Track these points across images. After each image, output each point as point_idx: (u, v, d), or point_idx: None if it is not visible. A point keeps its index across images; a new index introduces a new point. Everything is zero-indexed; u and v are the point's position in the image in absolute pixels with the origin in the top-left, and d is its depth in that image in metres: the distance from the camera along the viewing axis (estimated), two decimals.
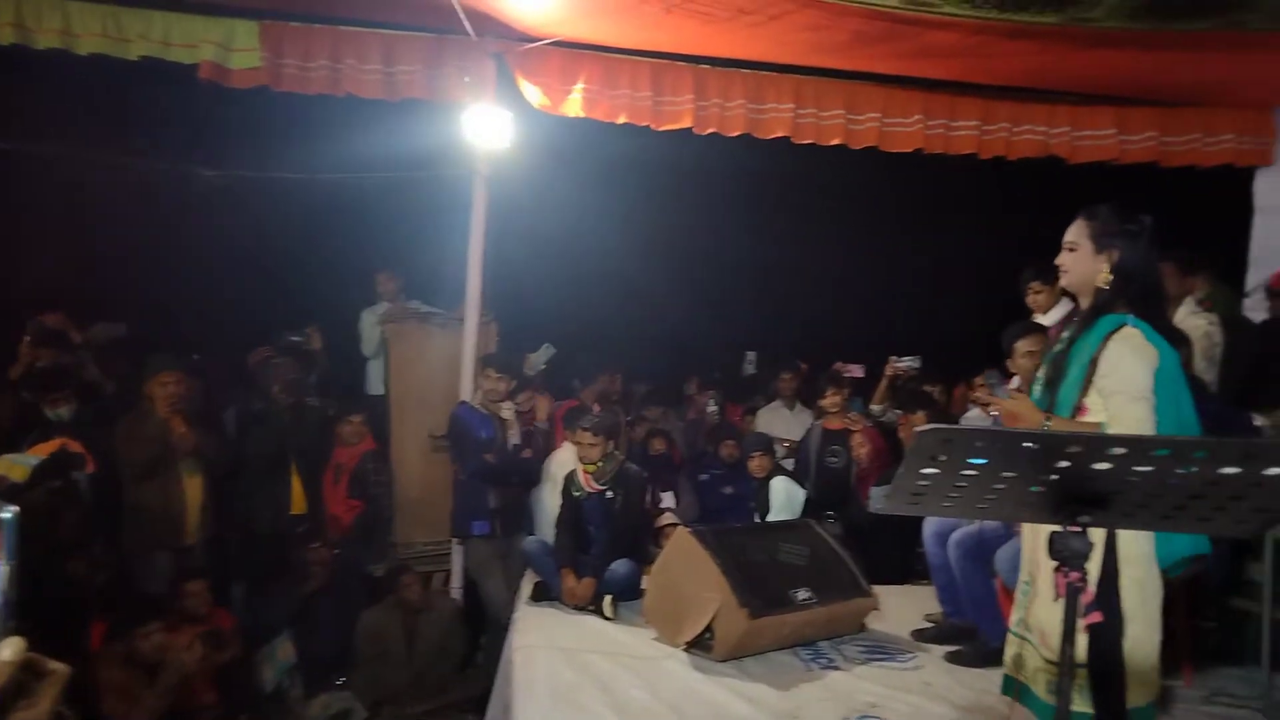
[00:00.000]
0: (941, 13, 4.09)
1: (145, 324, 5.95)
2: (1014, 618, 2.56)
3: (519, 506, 5.22)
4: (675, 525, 4.87)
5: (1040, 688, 2.43)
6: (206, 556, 4.78)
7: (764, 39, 4.60)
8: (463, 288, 5.38)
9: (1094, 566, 2.14)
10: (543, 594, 4.52)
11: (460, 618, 5.20)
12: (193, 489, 4.71)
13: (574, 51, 5.02)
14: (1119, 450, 1.20)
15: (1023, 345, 4.20)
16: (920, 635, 4.20)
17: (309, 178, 6.01)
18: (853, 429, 5.51)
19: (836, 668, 3.80)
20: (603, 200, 6.91)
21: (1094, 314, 2.42)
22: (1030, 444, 1.24)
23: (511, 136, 5.06)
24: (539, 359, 5.86)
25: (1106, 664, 2.22)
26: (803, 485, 5.47)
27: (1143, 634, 2.30)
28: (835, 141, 5.27)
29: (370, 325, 6.23)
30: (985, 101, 5.35)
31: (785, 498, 5.34)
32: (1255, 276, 5.50)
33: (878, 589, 4.32)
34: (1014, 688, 2.59)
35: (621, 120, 5.05)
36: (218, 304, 6.69)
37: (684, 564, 3.95)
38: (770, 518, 5.26)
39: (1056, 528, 1.38)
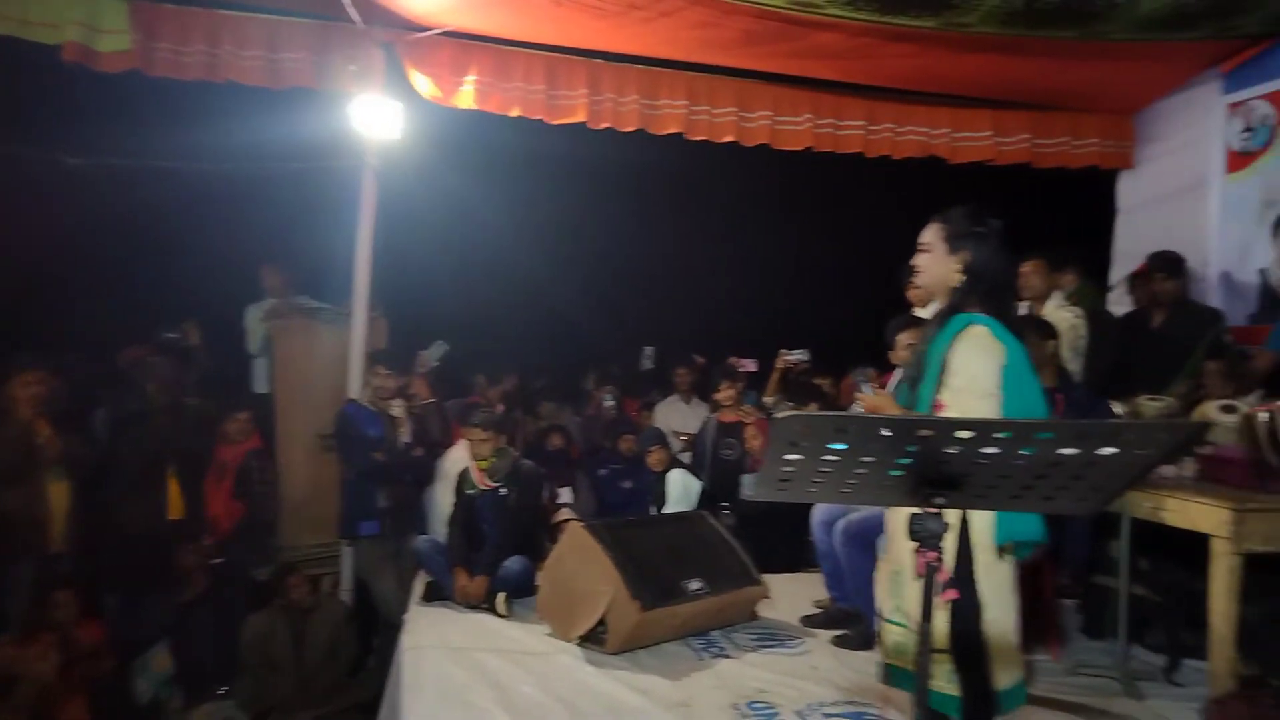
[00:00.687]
0: (826, 14, 4.20)
1: (5, 321, 5.60)
2: (889, 606, 2.64)
3: (410, 505, 5.13)
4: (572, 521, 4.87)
5: (934, 679, 2.46)
6: (76, 565, 4.53)
7: (656, 35, 4.63)
8: (351, 282, 5.24)
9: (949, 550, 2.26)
10: (435, 593, 4.45)
11: (350, 620, 5.07)
12: (58, 495, 4.47)
13: (466, 43, 4.95)
14: (964, 434, 1.25)
15: (904, 338, 4.35)
16: (809, 621, 4.32)
17: (188, 166, 5.75)
18: (746, 422, 5.62)
19: (727, 656, 3.87)
20: (498, 194, 6.84)
21: (948, 313, 2.51)
22: (883, 429, 1.28)
23: (402, 127, 4.96)
24: (432, 355, 5.76)
25: (968, 647, 2.33)
26: (699, 477, 5.55)
27: (999, 616, 2.40)
28: (728, 138, 5.34)
29: (255, 322, 6.01)
30: (870, 102, 5.52)
31: (682, 490, 5.41)
32: (1118, 273, 5.84)
33: (769, 577, 4.41)
34: (894, 675, 2.66)
35: (515, 113, 5.01)
36: (88, 300, 6.33)
37: (577, 558, 3.95)
38: (667, 510, 5.32)
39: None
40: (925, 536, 1.44)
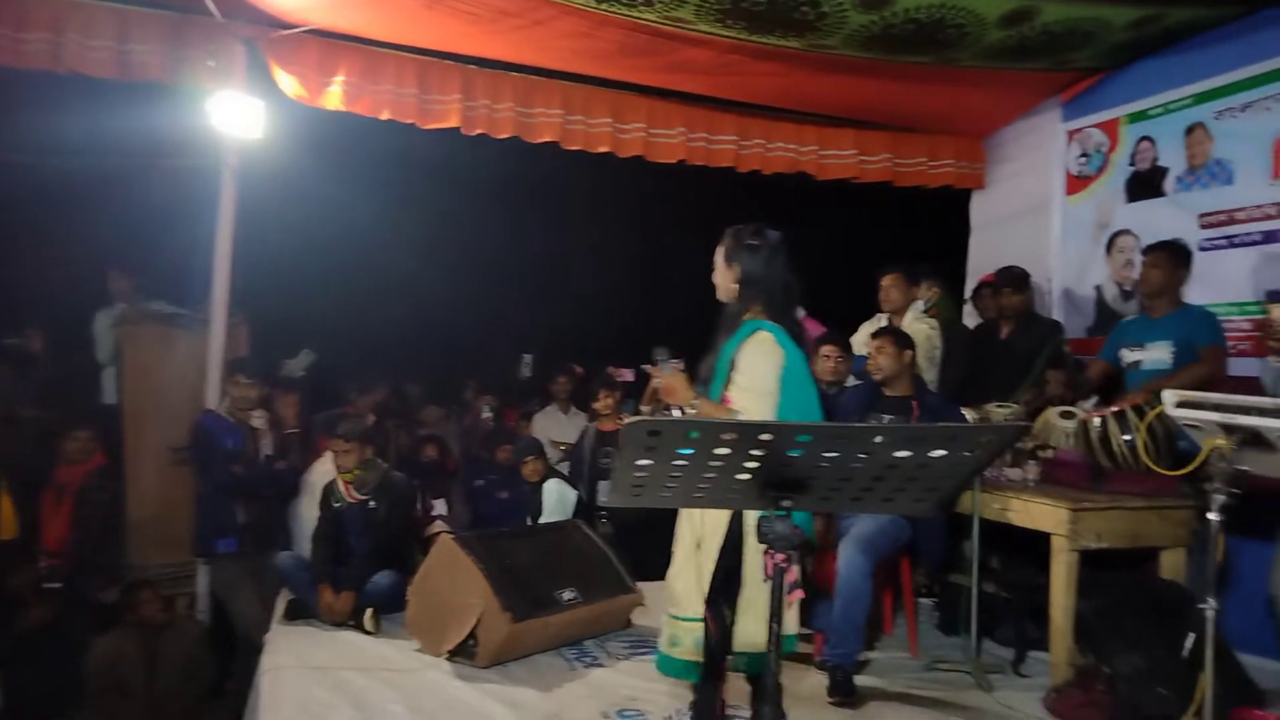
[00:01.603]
0: (696, 30, 4.29)
1: None
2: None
3: (272, 521, 4.91)
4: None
5: (668, 645, 2.75)
6: None
7: (529, 43, 4.62)
8: (209, 287, 5.00)
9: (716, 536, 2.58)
10: (298, 611, 4.28)
11: (206, 640, 4.81)
12: None
13: (334, 42, 4.80)
14: (804, 438, 1.30)
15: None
16: None
17: (31, 161, 5.39)
18: None
19: (600, 665, 3.88)
20: (371, 196, 6.65)
21: (735, 319, 2.73)
22: (727, 434, 1.31)
23: (264, 126, 4.77)
24: (298, 364, 5.56)
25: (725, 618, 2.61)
26: (577, 487, 5.54)
27: (755, 595, 2.65)
28: (603, 149, 5.37)
29: (104, 328, 5.65)
30: (741, 118, 5.66)
31: (557, 500, 5.37)
32: (972, 286, 6.17)
33: (648, 585, 4.41)
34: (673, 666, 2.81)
35: (385, 116, 4.90)
36: None
37: (447, 571, 3.88)
38: (543, 521, 5.28)
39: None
40: (773, 539, 1.48)
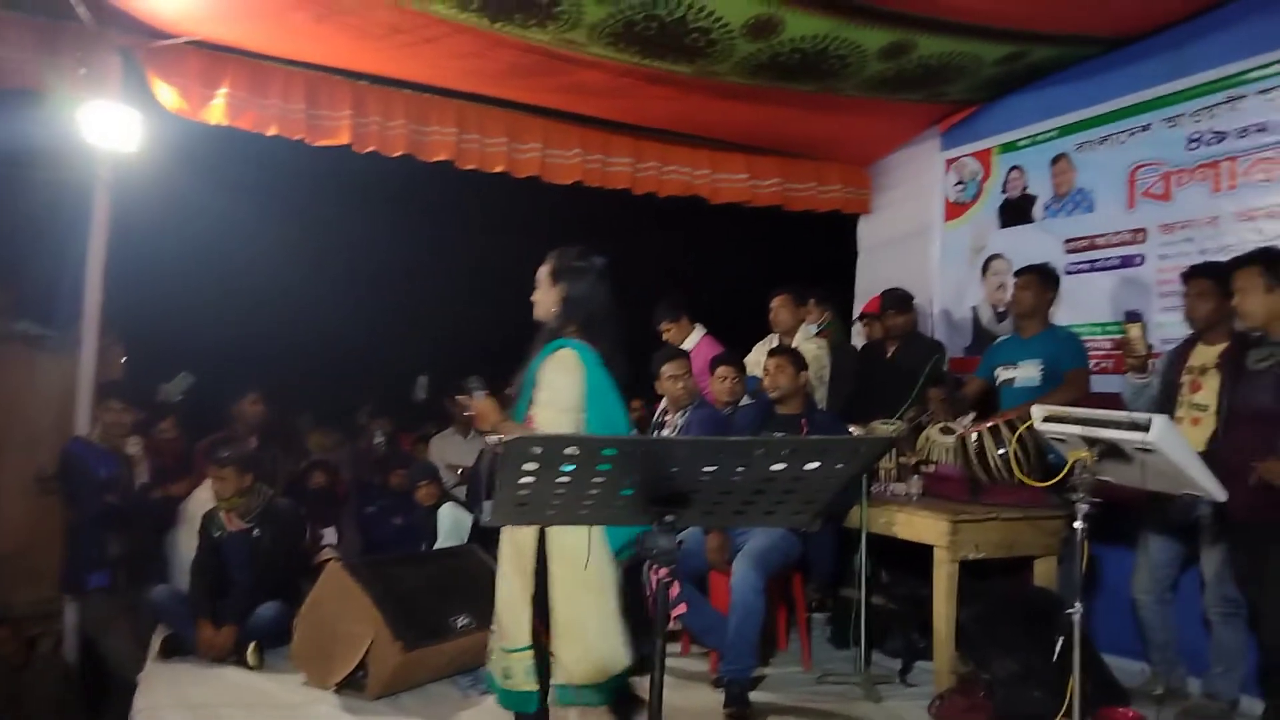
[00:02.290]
0: (589, 52, 4.33)
1: None
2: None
3: (147, 553, 4.66)
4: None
5: (502, 677, 2.76)
6: None
7: (421, 60, 4.58)
8: (80, 307, 4.74)
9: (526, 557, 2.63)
10: (175, 648, 4.08)
11: (73, 681, 4.52)
12: None
13: (217, 54, 4.64)
14: (682, 452, 1.33)
15: (667, 370, 4.54)
16: None
17: None
18: None
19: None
20: (258, 213, 6.43)
21: (549, 338, 2.80)
22: (609, 449, 1.33)
23: (141, 139, 4.57)
24: (176, 388, 5.31)
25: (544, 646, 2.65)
26: (474, 511, 5.45)
27: (570, 614, 2.68)
28: (499, 169, 5.35)
29: None
30: (637, 141, 5.73)
31: (452, 525, 5.28)
32: (859, 308, 6.39)
33: None
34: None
35: (272, 132, 4.75)
36: None
37: (336, 600, 3.76)
38: (438, 546, 5.18)
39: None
40: (656, 553, 1.50)
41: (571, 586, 2.64)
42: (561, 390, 2.68)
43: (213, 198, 5.81)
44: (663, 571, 1.51)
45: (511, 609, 2.73)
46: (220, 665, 3.97)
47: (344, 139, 4.91)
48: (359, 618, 3.63)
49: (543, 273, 2.86)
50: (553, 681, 2.70)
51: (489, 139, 5.31)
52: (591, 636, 2.66)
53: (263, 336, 6.83)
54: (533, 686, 2.70)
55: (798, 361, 4.38)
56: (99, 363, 4.76)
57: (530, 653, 2.69)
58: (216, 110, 4.64)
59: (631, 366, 4.59)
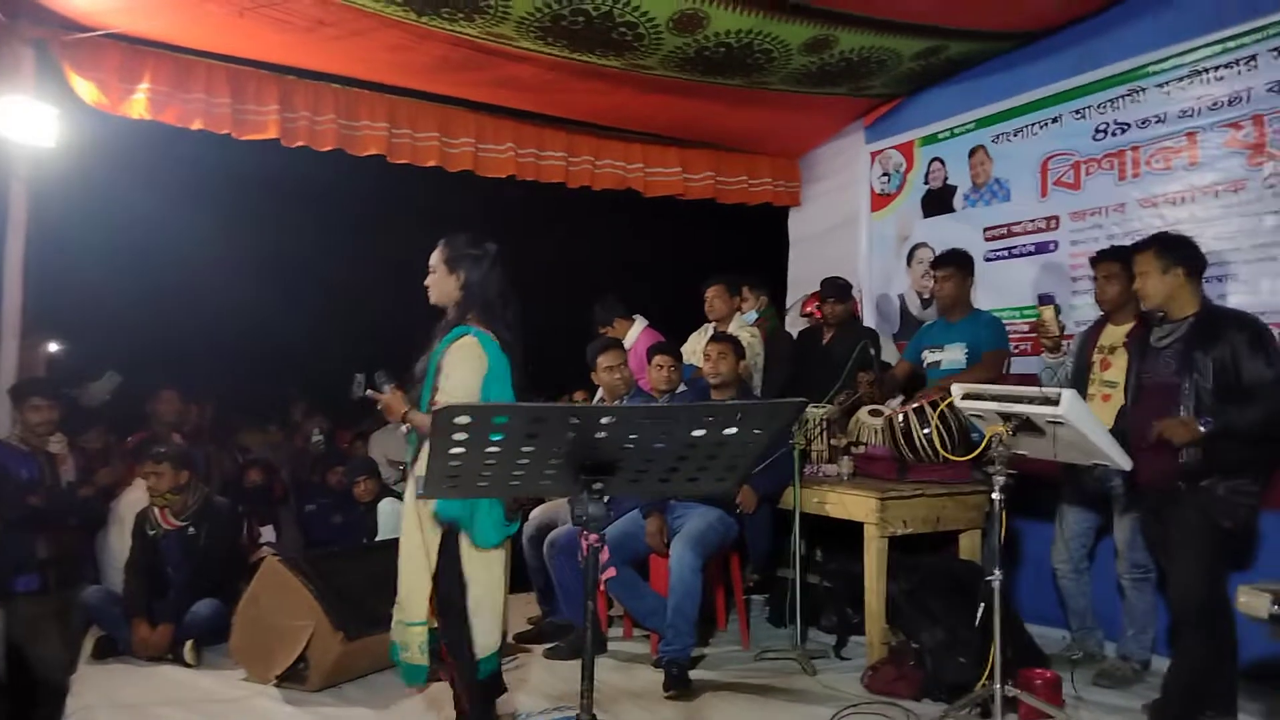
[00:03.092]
0: (518, 46, 4.36)
1: None
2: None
3: (77, 554, 4.57)
4: None
5: (401, 649, 2.81)
6: None
7: (349, 54, 4.56)
8: None
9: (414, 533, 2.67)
10: (109, 649, 4.02)
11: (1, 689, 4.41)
12: None
13: (137, 47, 4.56)
14: (607, 420, 1.39)
15: (603, 360, 4.60)
16: (522, 637, 4.40)
17: None
18: None
19: (438, 679, 3.83)
20: (187, 209, 6.32)
21: (449, 326, 2.82)
22: (536, 418, 1.39)
23: (60, 134, 4.47)
24: (102, 387, 5.20)
25: (453, 622, 2.69)
26: None
27: (483, 594, 2.74)
28: (431, 163, 5.34)
29: None
30: (570, 135, 5.77)
31: (393, 519, 5.26)
32: (792, 297, 6.54)
33: None
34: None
35: (197, 126, 4.68)
36: None
37: (274, 594, 3.74)
38: (379, 539, 5.16)
39: None
40: (586, 520, 1.56)
41: (479, 564, 2.71)
42: (462, 378, 2.68)
43: (138, 193, 5.71)
44: (593, 537, 1.58)
45: (415, 584, 2.76)
46: (156, 664, 3.92)
47: (272, 133, 4.86)
48: (298, 610, 3.63)
49: (436, 260, 2.87)
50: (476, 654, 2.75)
51: (420, 134, 5.30)
52: (492, 612, 2.75)
53: (190, 334, 6.73)
54: (425, 661, 2.75)
55: (738, 349, 4.50)
56: (20, 362, 4.63)
57: (425, 628, 2.73)
58: (138, 105, 4.55)
59: (578, 360, 4.68)
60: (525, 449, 1.45)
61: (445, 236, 2.90)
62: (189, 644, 3.94)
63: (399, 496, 5.52)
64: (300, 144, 4.95)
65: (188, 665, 3.91)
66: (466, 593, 2.69)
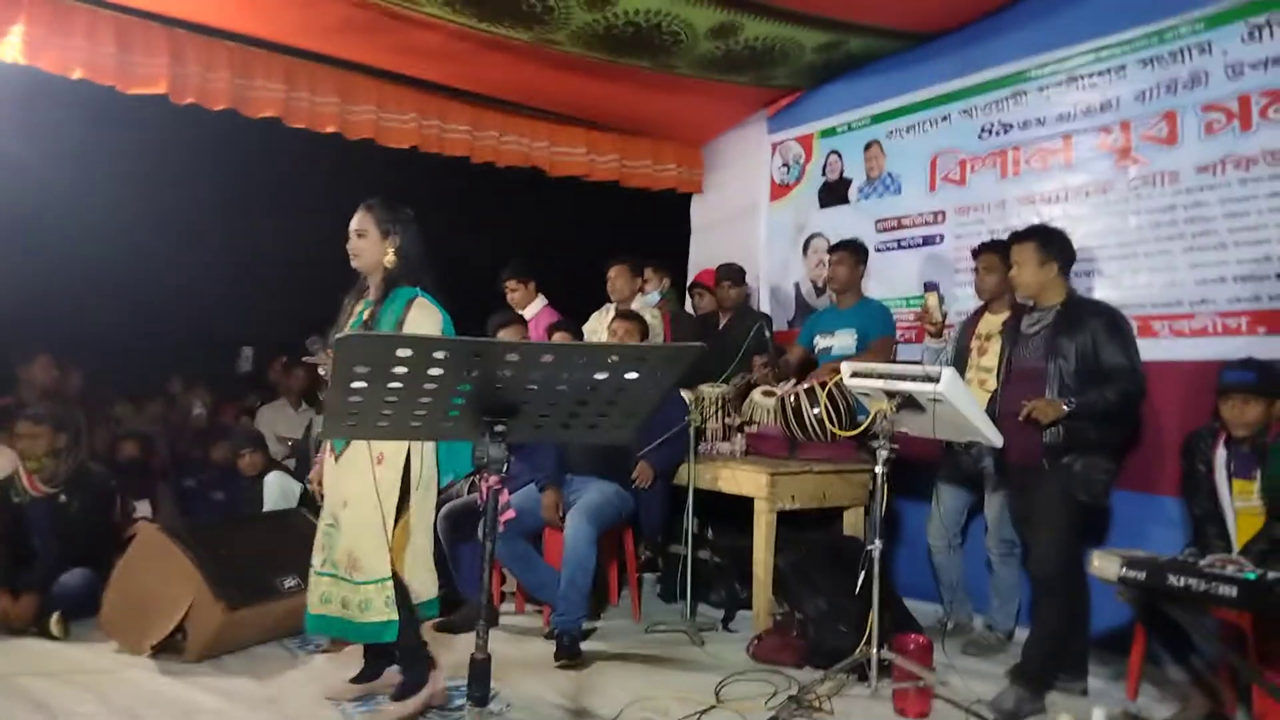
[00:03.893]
0: (425, 12, 4.29)
1: None
2: (318, 559, 3.01)
3: None
4: None
5: (357, 611, 2.87)
6: None
7: (245, 10, 4.40)
8: None
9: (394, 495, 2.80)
10: None
11: None
12: None
13: None
14: (512, 356, 1.41)
15: (504, 335, 4.60)
16: None
17: None
18: None
19: (324, 650, 3.77)
20: (61, 167, 5.97)
21: (388, 288, 2.94)
22: (439, 350, 1.39)
23: None
24: None
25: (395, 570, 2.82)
26: (302, 480, 5.32)
27: (422, 541, 2.96)
28: (330, 129, 5.19)
29: None
30: (475, 109, 5.70)
31: (280, 494, 5.14)
32: (692, 279, 6.65)
33: None
34: (318, 623, 3.01)
35: (77, 75, 4.42)
36: None
37: (151, 561, 3.61)
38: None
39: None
40: (488, 462, 1.58)
41: (424, 514, 2.87)
42: (431, 334, 2.74)
43: (9, 145, 5.34)
44: (493, 479, 1.60)
45: (370, 541, 2.81)
46: (19, 637, 3.72)
47: (160, 88, 4.63)
48: (177, 579, 3.50)
49: (366, 224, 2.95)
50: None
51: (319, 97, 5.14)
52: (427, 560, 2.93)
53: (61, 299, 6.36)
54: (394, 615, 2.80)
55: (643, 327, 4.58)
56: None
57: (390, 582, 2.80)
58: (11, 47, 4.27)
59: (473, 332, 4.65)
60: (428, 386, 1.46)
61: (365, 202, 2.97)
62: (55, 616, 3.75)
63: (288, 471, 5.39)
64: (191, 101, 4.74)
65: (54, 638, 3.72)
66: (407, 543, 2.87)
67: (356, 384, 1.40)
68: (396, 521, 2.83)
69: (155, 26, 4.61)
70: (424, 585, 2.97)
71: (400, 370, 1.39)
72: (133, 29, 4.56)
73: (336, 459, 2.95)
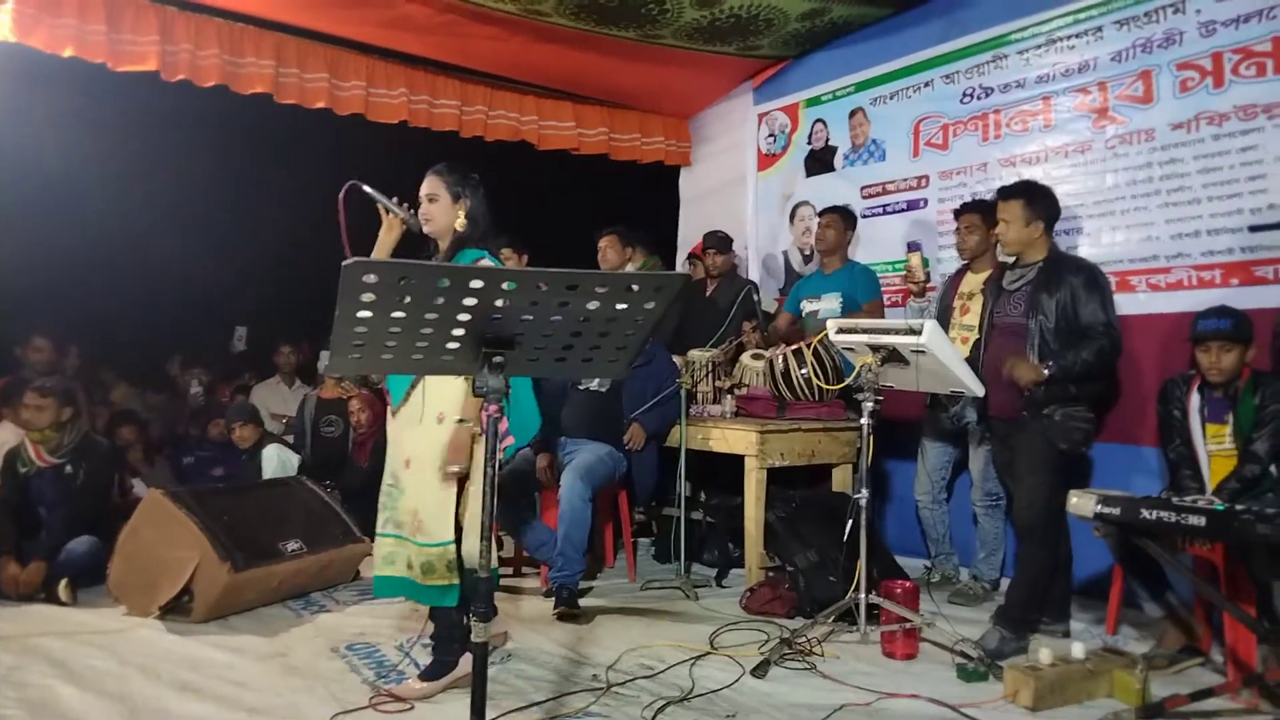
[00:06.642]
0: None
1: None
2: (381, 519, 2.95)
3: None
4: None
5: (421, 573, 2.84)
6: None
7: None
8: None
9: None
10: None
11: None
12: None
13: None
14: (506, 285, 1.50)
15: None
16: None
17: None
18: (348, 396, 5.61)
19: (328, 611, 3.87)
20: (57, 147, 5.98)
21: (455, 250, 2.95)
22: (441, 279, 1.48)
23: None
24: None
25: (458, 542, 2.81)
26: (299, 451, 5.41)
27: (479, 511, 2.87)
28: (320, 105, 5.22)
29: None
30: (464, 84, 5.74)
31: (278, 465, 5.21)
32: (682, 254, 6.74)
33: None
34: (384, 585, 2.96)
35: (68, 53, 4.45)
36: None
37: (158, 526, 3.69)
38: None
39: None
40: (487, 392, 1.67)
41: (478, 485, 2.76)
42: None
43: (6, 123, 5.37)
44: (493, 408, 1.68)
45: (437, 507, 2.80)
46: (28, 603, 3.81)
47: (151, 65, 4.67)
48: (183, 542, 3.59)
49: (437, 189, 2.92)
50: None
51: (309, 74, 5.18)
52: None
53: (57, 280, 6.40)
54: (456, 580, 2.79)
55: None
56: None
57: (453, 547, 2.79)
58: (2, 26, 4.31)
59: None
60: (429, 316, 1.54)
61: (434, 167, 2.96)
62: (64, 583, 3.84)
63: (285, 444, 5.46)
64: (181, 78, 4.78)
65: (62, 603, 3.81)
66: (465, 510, 2.83)
67: (362, 313, 1.48)
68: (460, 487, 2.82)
69: (144, 4, 4.65)
70: (472, 554, 2.85)
71: (405, 299, 1.47)
72: (122, 7, 4.59)
73: (394, 414, 2.93)
